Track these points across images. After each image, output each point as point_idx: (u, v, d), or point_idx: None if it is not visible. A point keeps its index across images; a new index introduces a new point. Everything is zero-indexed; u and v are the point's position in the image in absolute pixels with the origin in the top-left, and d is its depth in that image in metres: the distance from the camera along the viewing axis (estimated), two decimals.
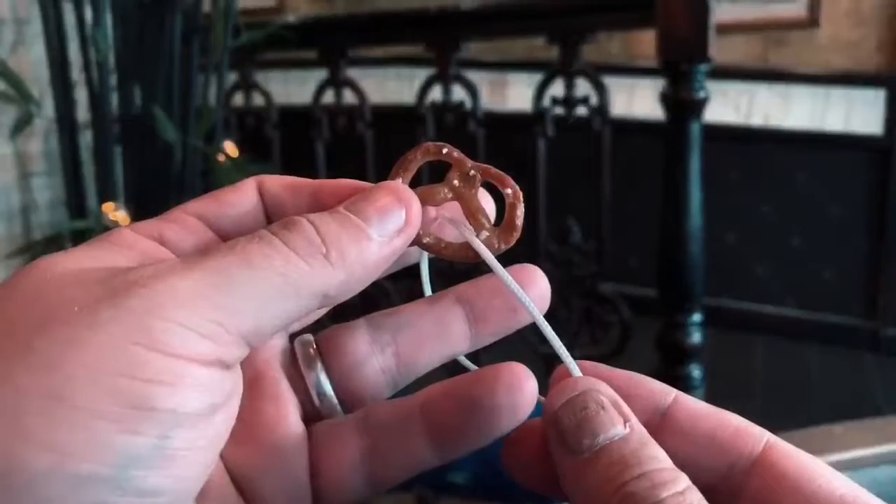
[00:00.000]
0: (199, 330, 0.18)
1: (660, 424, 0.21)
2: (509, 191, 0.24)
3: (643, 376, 0.22)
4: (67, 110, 1.39)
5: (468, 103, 1.61)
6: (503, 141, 1.89)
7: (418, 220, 0.23)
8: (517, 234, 0.24)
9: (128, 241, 0.21)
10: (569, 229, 1.53)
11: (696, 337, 1.37)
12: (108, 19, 1.35)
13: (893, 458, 0.81)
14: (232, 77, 1.69)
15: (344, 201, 0.22)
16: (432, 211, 0.24)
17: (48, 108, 1.42)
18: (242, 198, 0.23)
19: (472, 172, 0.24)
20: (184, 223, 0.22)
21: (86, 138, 1.44)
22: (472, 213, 0.24)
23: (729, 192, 2.96)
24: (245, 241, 0.20)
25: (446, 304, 0.24)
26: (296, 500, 0.23)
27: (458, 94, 1.61)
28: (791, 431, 0.89)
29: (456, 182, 0.24)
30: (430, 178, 0.25)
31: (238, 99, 1.80)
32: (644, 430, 0.20)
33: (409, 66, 2.93)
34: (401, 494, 1.40)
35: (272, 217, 0.23)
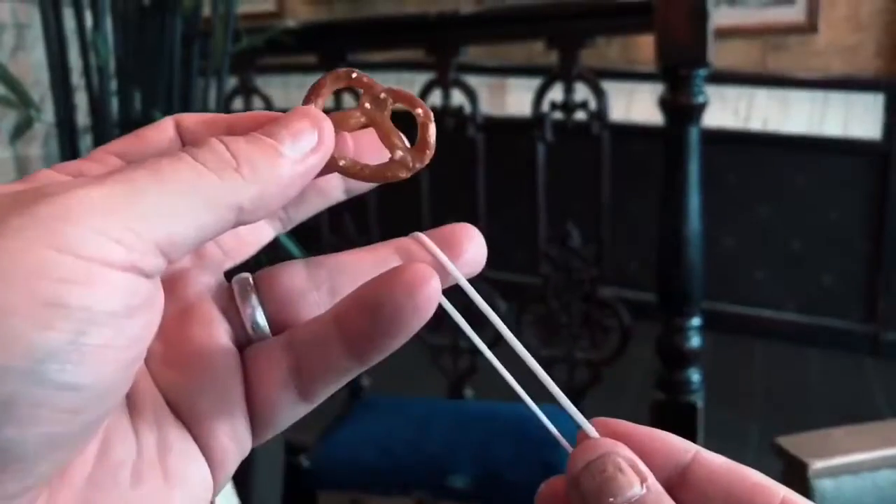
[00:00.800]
0: (111, 235, 0.18)
1: (678, 481, 0.22)
2: (420, 111, 0.24)
3: (664, 433, 0.23)
4: (67, 114, 1.39)
5: (467, 108, 1.61)
6: (502, 145, 1.89)
7: (331, 141, 0.23)
8: (430, 153, 0.24)
9: (48, 178, 0.22)
10: (568, 233, 1.53)
11: (695, 341, 1.37)
12: (109, 24, 1.35)
13: (894, 462, 0.80)
14: (232, 81, 1.70)
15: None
16: (347, 136, 0.25)
17: (48, 112, 1.42)
18: (161, 135, 0.24)
19: (383, 95, 0.25)
20: (104, 161, 0.23)
21: (86, 142, 1.44)
22: (386, 135, 0.24)
23: (728, 196, 2.97)
24: (154, 158, 0.20)
25: (386, 253, 0.25)
26: (230, 419, 0.23)
27: (458, 98, 1.61)
28: (791, 436, 0.89)
29: (368, 105, 0.25)
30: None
31: (238, 103, 1.80)
32: (660, 489, 0.21)
33: (408, 70, 2.92)
34: (400, 499, 1.40)
35: None
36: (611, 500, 0.21)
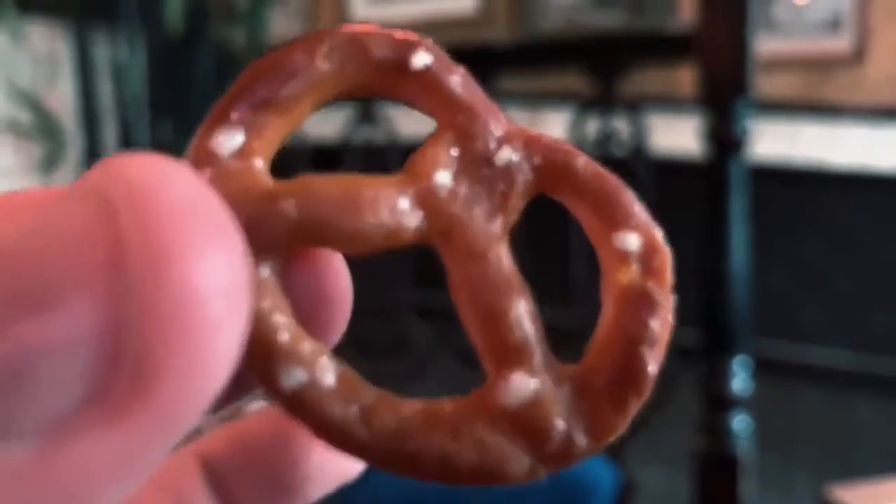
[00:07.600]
0: None
1: None
2: (635, 238, 0.08)
3: None
4: (98, 144, 1.40)
5: None
6: None
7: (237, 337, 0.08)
8: (639, 401, 0.08)
9: None
10: None
11: (741, 384, 1.31)
12: (141, 54, 1.35)
13: None
14: None
15: None
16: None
17: (79, 142, 1.43)
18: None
19: (504, 151, 0.08)
20: None
21: None
22: (492, 315, 0.08)
23: (773, 232, 2.89)
24: None
25: None
26: None
27: None
28: (846, 486, 0.83)
29: (444, 179, 0.08)
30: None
31: None
32: None
33: None
34: None
35: None
36: None
